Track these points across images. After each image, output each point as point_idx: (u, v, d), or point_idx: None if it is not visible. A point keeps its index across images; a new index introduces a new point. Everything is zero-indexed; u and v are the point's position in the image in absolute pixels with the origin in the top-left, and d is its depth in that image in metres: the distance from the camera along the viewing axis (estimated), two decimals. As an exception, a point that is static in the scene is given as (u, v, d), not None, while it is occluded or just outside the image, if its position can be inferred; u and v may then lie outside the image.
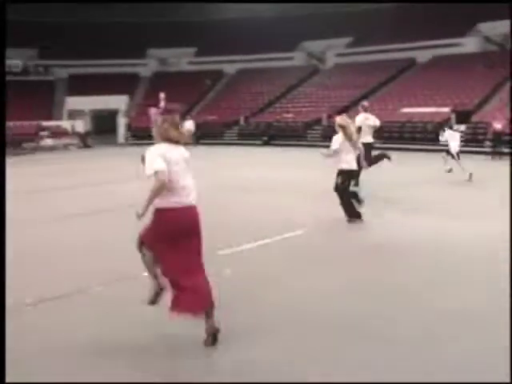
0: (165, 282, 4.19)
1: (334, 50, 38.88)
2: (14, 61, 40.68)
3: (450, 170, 14.03)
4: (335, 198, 8.42)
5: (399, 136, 25.62)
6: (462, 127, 23.29)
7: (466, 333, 4.29)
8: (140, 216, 3.96)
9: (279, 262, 6.24)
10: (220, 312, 4.15)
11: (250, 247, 6.85)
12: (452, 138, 14.16)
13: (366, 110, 12.06)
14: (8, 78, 39.03)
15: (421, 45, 32.98)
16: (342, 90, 33.60)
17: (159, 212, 4.06)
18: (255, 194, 11.54)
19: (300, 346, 4.06)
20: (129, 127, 35.49)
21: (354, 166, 8.50)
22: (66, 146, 31.78)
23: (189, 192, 4.13)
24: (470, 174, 13.03)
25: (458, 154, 13.74)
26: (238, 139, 31.54)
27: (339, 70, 36.82)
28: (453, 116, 25.59)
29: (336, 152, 8.42)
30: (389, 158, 11.74)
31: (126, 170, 18.27)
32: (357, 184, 9.83)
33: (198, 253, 4.21)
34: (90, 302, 5.15)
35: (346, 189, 8.48)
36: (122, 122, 36.54)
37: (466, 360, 3.82)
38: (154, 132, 4.24)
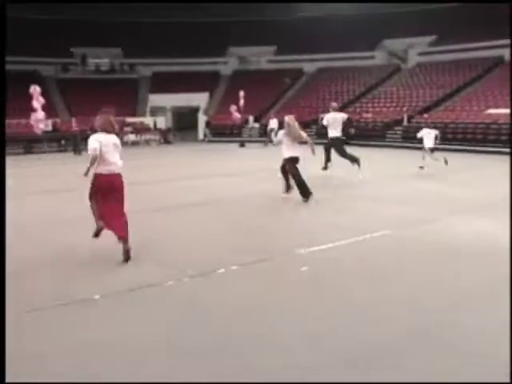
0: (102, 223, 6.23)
1: (416, 49, 38.05)
2: (102, 60, 42.39)
3: (421, 167, 15.66)
4: (414, 200, 8.35)
5: (483, 138, 24.77)
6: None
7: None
8: (85, 175, 6.15)
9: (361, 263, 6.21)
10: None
11: (324, 248, 6.84)
12: (427, 135, 16.16)
13: (334, 109, 15.21)
14: (96, 76, 40.80)
15: (508, 43, 31.65)
16: (425, 89, 32.86)
17: (95, 176, 6.21)
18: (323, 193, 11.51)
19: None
20: (208, 124, 36.08)
21: (296, 154, 10.47)
22: (147, 142, 32.70)
23: (115, 165, 6.25)
24: (446, 161, 15.38)
25: (431, 150, 15.88)
26: (316, 138, 31.37)
27: (421, 69, 36.00)
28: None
29: (279, 143, 10.73)
30: (358, 164, 13.81)
31: (208, 165, 18.70)
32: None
33: (119, 203, 6.32)
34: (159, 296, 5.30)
35: (296, 172, 10.33)
36: (202, 119, 37.20)
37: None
38: (96, 125, 6.47)
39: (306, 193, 10.20)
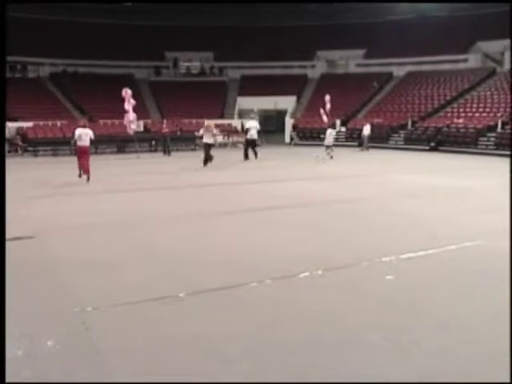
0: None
1: (513, 51, 36.46)
2: (193, 63, 43.54)
3: (317, 157, 21.61)
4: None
5: None
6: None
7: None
8: (73, 145, 15.41)
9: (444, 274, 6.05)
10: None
11: (413, 256, 6.70)
12: (329, 134, 22.76)
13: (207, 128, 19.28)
14: (186, 78, 41.92)
15: None
16: (522, 94, 31.41)
17: (77, 147, 14.66)
18: (423, 200, 11.27)
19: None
20: (294, 127, 36.14)
21: (210, 141, 18.97)
22: (234, 144, 33.17)
23: (85, 141, 14.60)
24: (331, 157, 21.92)
25: (329, 147, 22.42)
26: (404, 144, 30.79)
27: (519, 72, 34.46)
28: None
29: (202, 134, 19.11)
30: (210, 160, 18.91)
31: (295, 169, 18.77)
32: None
33: (87, 159, 14.49)
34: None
35: (208, 152, 18.69)
36: (288, 123, 37.32)
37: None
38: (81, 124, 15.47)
39: (205, 162, 18.60)
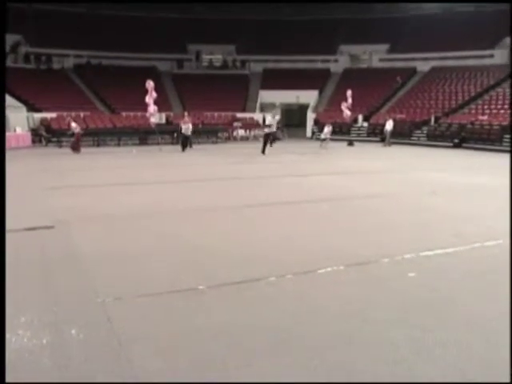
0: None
1: (541, 47, 35.90)
2: (215, 56, 43.59)
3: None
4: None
5: None
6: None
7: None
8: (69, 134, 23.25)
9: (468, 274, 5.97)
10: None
11: (434, 254, 6.62)
12: (327, 129, 26.12)
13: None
14: (209, 71, 42.01)
15: None
16: (549, 91, 30.94)
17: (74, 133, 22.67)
18: (445, 198, 11.15)
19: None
20: (316, 122, 36.00)
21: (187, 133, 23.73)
22: (256, 137, 33.14)
23: (78, 130, 22.81)
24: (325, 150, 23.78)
25: (324, 140, 25.88)
26: (427, 140, 30.50)
27: (547, 69, 33.91)
28: None
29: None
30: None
31: (312, 164, 18.70)
32: None
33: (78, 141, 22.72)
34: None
35: (184, 139, 23.65)
36: (310, 117, 37.19)
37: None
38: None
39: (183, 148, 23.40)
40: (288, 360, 3.81)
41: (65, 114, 30.26)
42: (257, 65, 41.87)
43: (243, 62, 42.67)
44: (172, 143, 27.92)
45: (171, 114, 33.53)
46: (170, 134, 28.74)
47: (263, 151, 21.73)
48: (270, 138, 22.66)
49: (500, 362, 3.84)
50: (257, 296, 5.09)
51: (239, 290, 5.22)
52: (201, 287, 5.21)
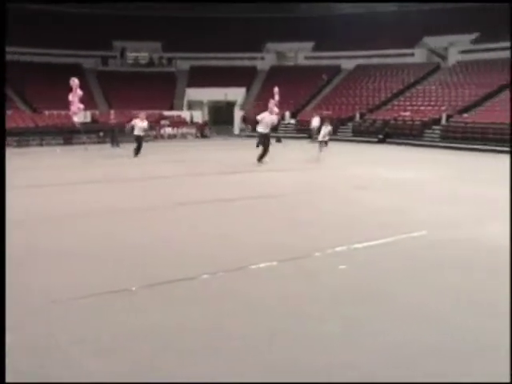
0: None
1: (457, 47, 37.41)
2: (141, 53, 42.95)
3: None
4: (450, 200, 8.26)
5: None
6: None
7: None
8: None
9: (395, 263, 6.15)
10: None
11: (364, 246, 6.79)
12: (325, 130, 19.73)
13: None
14: (135, 69, 41.32)
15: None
16: (464, 89, 32.30)
17: None
18: (373, 192, 11.45)
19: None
20: (244, 119, 36.16)
21: (141, 133, 19.29)
22: (183, 136, 32.90)
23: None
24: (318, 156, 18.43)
25: (321, 142, 19.43)
26: (353, 135, 31.22)
27: (462, 67, 35.39)
28: None
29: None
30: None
31: (240, 161, 18.73)
32: None
33: None
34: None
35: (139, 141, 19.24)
36: (238, 114, 37.30)
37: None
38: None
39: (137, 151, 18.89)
40: (223, 359, 3.79)
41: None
42: (183, 62, 41.51)
43: (170, 60, 42.20)
44: (98, 142, 27.28)
45: (97, 112, 32.76)
46: (95, 132, 28.05)
47: (261, 158, 16.37)
48: (261, 141, 17.13)
49: (431, 350, 3.96)
50: (190, 295, 5.05)
51: (173, 290, 5.17)
52: (134, 288, 5.12)
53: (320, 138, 19.68)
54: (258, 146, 17.56)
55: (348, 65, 40.17)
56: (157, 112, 34.52)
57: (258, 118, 16.84)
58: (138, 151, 19.18)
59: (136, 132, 19.42)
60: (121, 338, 4.08)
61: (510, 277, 5.32)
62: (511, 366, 3.56)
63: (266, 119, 16.52)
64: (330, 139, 20.92)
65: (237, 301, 4.91)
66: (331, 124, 21.55)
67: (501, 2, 26.19)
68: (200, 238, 7.21)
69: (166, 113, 35.28)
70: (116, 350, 3.89)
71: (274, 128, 18.04)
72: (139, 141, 19.32)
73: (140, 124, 19.37)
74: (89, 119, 30.75)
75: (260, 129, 16.70)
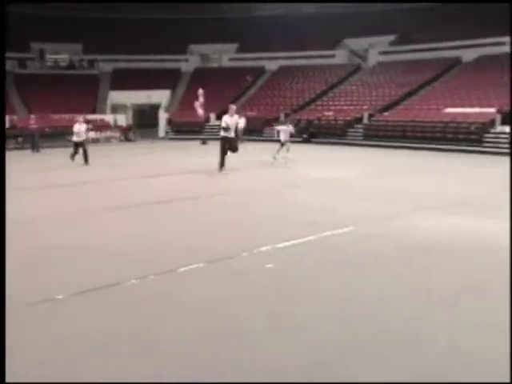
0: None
1: (376, 48, 38.57)
2: (61, 55, 41.70)
3: (274, 158, 17.75)
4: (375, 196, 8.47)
5: (442, 137, 25.30)
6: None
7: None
8: None
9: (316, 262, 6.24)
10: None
11: (289, 244, 6.85)
12: (284, 131, 18.59)
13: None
14: (55, 71, 40.08)
15: (466, 43, 32.45)
16: (384, 88, 33.34)
17: None
18: (301, 191, 11.60)
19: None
20: (169, 122, 35.86)
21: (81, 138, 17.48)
22: (108, 139, 32.26)
23: None
24: (286, 160, 17.21)
25: (283, 144, 18.16)
26: (278, 136, 31.46)
27: (382, 68, 36.50)
28: (498, 117, 25.17)
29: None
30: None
31: (167, 164, 18.54)
32: None
33: None
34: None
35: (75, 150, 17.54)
36: (163, 117, 36.92)
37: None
38: None
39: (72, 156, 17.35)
40: (152, 362, 3.73)
41: None
42: (106, 64, 40.69)
43: (91, 62, 41.24)
44: (17, 148, 26.30)
45: (15, 117, 31.55)
46: (14, 138, 27.02)
47: (221, 164, 15.15)
48: (226, 146, 15.32)
49: (360, 344, 4.03)
50: (119, 300, 4.95)
51: (101, 296, 5.04)
52: (60, 296, 4.95)
53: (282, 139, 18.46)
54: (225, 154, 15.36)
55: (272, 66, 40.59)
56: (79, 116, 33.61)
57: (223, 124, 15.31)
58: (73, 156, 17.64)
59: (75, 138, 17.83)
60: (50, 348, 3.96)
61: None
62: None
63: (227, 122, 15.21)
64: (256, 139, 20.97)
65: (166, 304, 4.86)
66: (293, 125, 20.96)
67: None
68: (128, 241, 7.08)
69: (89, 116, 34.42)
70: (45, 361, 3.77)
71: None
72: (83, 147, 17.67)
73: (79, 128, 18.05)
74: (7, 125, 29.60)
75: (223, 133, 15.31)
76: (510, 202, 9.17)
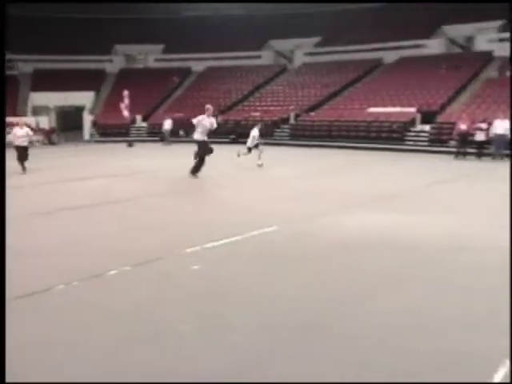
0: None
1: (302, 49, 39.09)
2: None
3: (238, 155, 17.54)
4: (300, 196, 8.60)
5: (365, 135, 26.05)
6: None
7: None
8: None
9: (244, 261, 6.29)
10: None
11: (217, 245, 6.86)
12: (253, 133, 17.98)
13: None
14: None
15: (388, 46, 33.48)
16: (310, 89, 33.87)
17: None
18: (227, 192, 11.63)
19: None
20: (94, 124, 35.07)
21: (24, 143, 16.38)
22: (30, 143, 31.11)
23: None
24: (259, 164, 16.68)
25: (250, 148, 17.57)
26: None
27: (307, 69, 37.02)
28: (418, 116, 26.15)
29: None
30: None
31: (93, 167, 18.16)
32: None
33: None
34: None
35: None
36: (87, 119, 36.06)
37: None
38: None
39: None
40: (83, 369, 3.66)
41: None
42: (26, 65, 39.31)
43: (10, 62, 39.70)
44: None
45: None
46: None
47: (195, 170, 14.16)
48: (207, 151, 14.40)
49: (282, 341, 4.09)
50: (46, 308, 4.81)
51: (27, 304, 4.87)
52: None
53: (248, 143, 17.72)
54: (196, 158, 14.38)
55: (198, 67, 40.41)
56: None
57: (194, 121, 14.46)
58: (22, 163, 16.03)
59: (17, 142, 16.26)
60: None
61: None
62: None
63: (203, 122, 14.27)
64: (183, 141, 20.74)
65: (93, 309, 4.77)
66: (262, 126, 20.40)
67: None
68: (52, 247, 6.88)
69: (9, 119, 33.17)
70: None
71: (213, 132, 15.10)
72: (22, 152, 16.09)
73: (20, 132, 16.55)
74: None
75: (196, 135, 14.49)
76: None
